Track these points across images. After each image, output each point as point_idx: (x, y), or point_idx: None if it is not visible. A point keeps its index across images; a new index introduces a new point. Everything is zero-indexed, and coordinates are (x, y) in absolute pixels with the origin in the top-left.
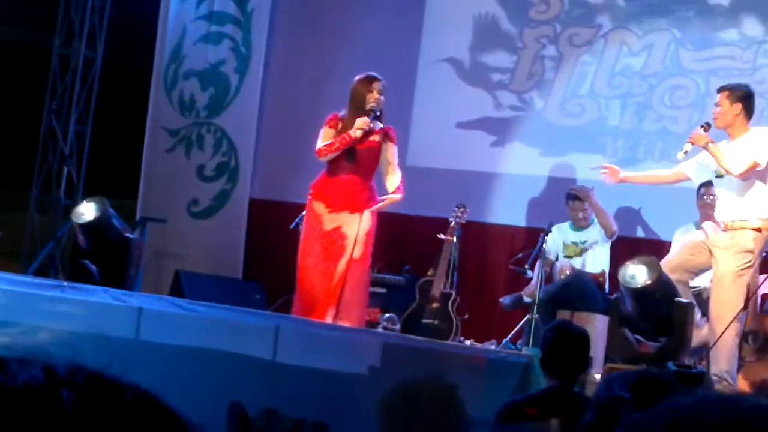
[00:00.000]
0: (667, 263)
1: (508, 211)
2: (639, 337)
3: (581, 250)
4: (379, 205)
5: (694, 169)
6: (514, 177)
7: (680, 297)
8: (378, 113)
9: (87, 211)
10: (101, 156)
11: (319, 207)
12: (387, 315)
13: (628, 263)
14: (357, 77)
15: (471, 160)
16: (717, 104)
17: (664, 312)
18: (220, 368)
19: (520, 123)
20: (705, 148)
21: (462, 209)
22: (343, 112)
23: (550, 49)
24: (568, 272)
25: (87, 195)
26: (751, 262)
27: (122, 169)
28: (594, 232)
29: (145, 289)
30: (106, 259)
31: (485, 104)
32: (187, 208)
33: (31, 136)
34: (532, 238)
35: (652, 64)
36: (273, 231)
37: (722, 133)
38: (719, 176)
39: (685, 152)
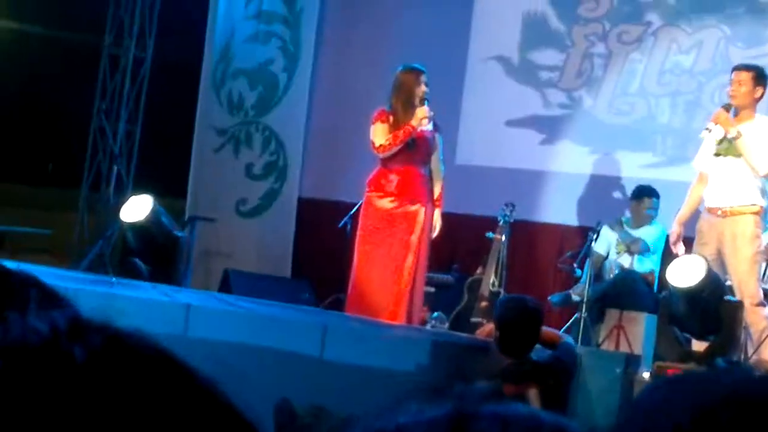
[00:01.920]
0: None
1: (557, 209)
2: (688, 336)
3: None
4: (436, 218)
5: (705, 161)
6: (563, 175)
7: (729, 295)
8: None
9: (136, 209)
10: (150, 155)
11: (382, 202)
12: (436, 314)
13: (675, 261)
14: (401, 69)
15: (520, 159)
16: (739, 83)
17: (712, 310)
18: (268, 365)
19: (569, 121)
20: (731, 135)
21: (511, 208)
22: (389, 105)
23: (599, 46)
24: (617, 271)
25: (136, 194)
26: (761, 247)
27: (171, 168)
28: (650, 229)
29: (195, 288)
30: (156, 257)
31: (534, 102)
32: (236, 207)
33: (82, 136)
34: (581, 236)
35: (702, 62)
36: (322, 230)
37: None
38: (717, 155)
39: (709, 131)
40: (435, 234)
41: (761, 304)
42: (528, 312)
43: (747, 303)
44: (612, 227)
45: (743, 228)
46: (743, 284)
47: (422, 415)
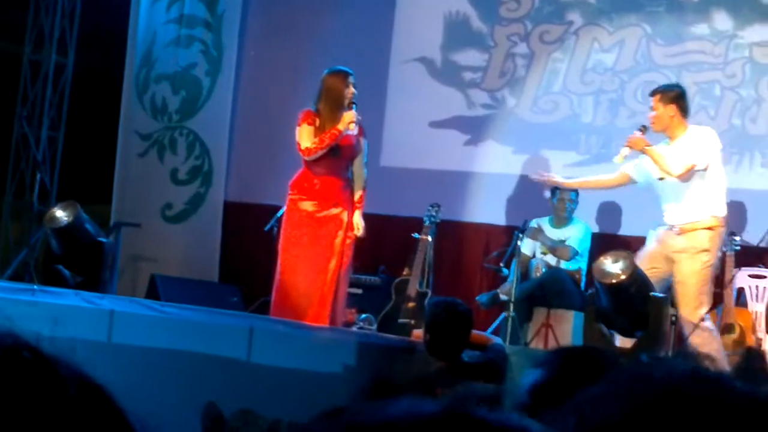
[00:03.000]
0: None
1: (482, 209)
2: (614, 333)
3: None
4: (357, 219)
5: (636, 171)
6: (488, 175)
7: (655, 291)
8: None
9: (60, 216)
10: (74, 161)
11: (305, 205)
12: (363, 315)
13: (602, 258)
14: (328, 72)
15: (444, 159)
16: (652, 108)
17: (639, 307)
18: (195, 370)
19: (493, 121)
20: (643, 152)
21: (436, 208)
22: (315, 108)
23: (521, 46)
24: (544, 269)
25: (60, 200)
26: (710, 261)
27: (95, 175)
28: (573, 230)
29: (121, 294)
30: (80, 264)
31: (458, 103)
32: (162, 212)
33: (3, 143)
34: (507, 236)
35: (624, 60)
36: (249, 234)
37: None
38: (661, 179)
39: (624, 156)
40: (360, 233)
41: (703, 320)
42: (458, 314)
43: (691, 317)
44: (535, 237)
45: (693, 241)
46: (688, 298)
47: (413, 411)
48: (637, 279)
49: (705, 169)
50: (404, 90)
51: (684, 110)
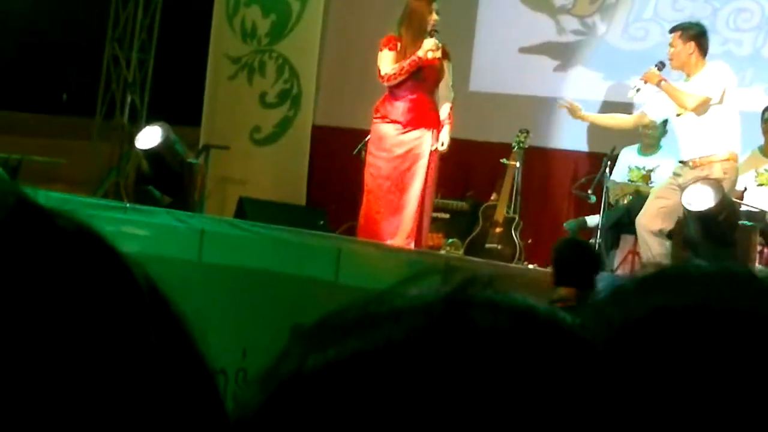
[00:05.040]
0: (644, 213)
1: (571, 136)
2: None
3: (646, 176)
4: (444, 135)
5: (652, 109)
6: (578, 102)
7: (744, 220)
8: None
9: (150, 137)
10: (164, 83)
11: (388, 128)
12: (450, 240)
13: (691, 186)
14: None
15: (534, 85)
16: (670, 44)
17: (727, 235)
18: (283, 290)
19: (583, 48)
20: (658, 86)
21: (525, 134)
22: (398, 32)
23: None
24: (630, 197)
25: (150, 122)
26: (725, 190)
27: (185, 97)
28: (661, 158)
29: (210, 215)
30: (170, 184)
31: (548, 29)
32: (250, 134)
33: (95, 65)
34: (595, 163)
35: None
36: (336, 157)
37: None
38: (678, 114)
39: (637, 90)
40: (443, 149)
41: None
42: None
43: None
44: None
45: (707, 173)
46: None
47: (417, 299)
48: (725, 207)
49: (720, 103)
50: (494, 15)
51: (703, 48)
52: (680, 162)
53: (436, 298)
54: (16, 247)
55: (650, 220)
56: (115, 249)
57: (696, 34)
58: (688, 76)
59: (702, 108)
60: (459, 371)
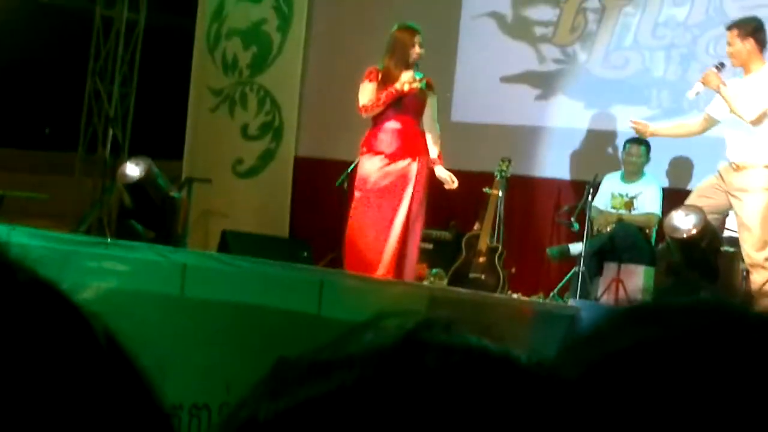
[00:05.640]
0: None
1: (553, 164)
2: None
3: (628, 203)
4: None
5: (716, 110)
6: (559, 130)
7: (726, 246)
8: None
9: (132, 171)
10: (146, 117)
11: (373, 161)
12: (434, 270)
13: (673, 213)
14: (397, 27)
15: (515, 114)
16: (728, 43)
17: (710, 261)
18: (266, 323)
19: (564, 76)
20: (717, 90)
21: (507, 163)
22: (380, 64)
23: (592, 1)
24: (613, 225)
25: (132, 156)
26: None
27: (167, 130)
28: (644, 186)
29: (192, 249)
30: (152, 218)
31: (529, 58)
32: (233, 167)
33: (76, 99)
34: (577, 190)
35: (696, 14)
36: (319, 189)
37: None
38: (732, 112)
39: (696, 93)
40: (454, 186)
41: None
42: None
43: (754, 258)
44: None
45: (752, 181)
46: (752, 239)
47: (372, 344)
48: (708, 233)
49: None
50: (475, 45)
51: (762, 43)
52: (727, 162)
53: (391, 341)
54: None
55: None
56: (74, 304)
57: (754, 30)
58: (746, 72)
59: (762, 119)
60: (408, 412)
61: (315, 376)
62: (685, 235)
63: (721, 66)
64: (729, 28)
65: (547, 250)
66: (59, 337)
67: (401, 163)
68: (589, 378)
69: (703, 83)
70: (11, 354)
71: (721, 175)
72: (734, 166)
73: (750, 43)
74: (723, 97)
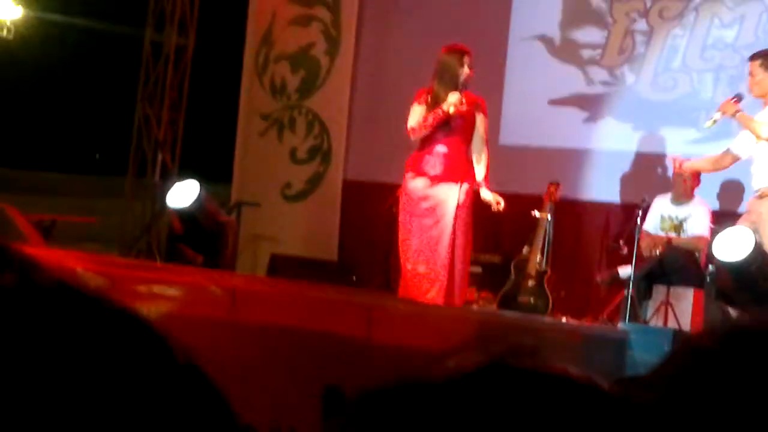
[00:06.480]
0: None
1: (601, 187)
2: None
3: (677, 226)
4: (486, 195)
5: (739, 146)
6: (607, 153)
7: None
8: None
9: (182, 195)
10: (195, 141)
11: (417, 183)
12: (483, 293)
13: (721, 236)
14: (446, 48)
15: (564, 137)
16: (750, 74)
17: (761, 284)
18: (315, 348)
19: (612, 98)
20: (734, 117)
21: (555, 186)
22: (430, 85)
23: (640, 23)
24: (662, 248)
25: (182, 180)
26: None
27: (216, 154)
28: (693, 208)
29: (242, 272)
30: (202, 242)
31: (577, 81)
32: (281, 191)
33: (126, 124)
34: (626, 213)
35: (745, 36)
36: (368, 212)
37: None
38: (758, 142)
39: (714, 121)
40: (501, 208)
41: None
42: None
43: None
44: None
45: None
46: None
47: (458, 372)
48: (758, 256)
49: None
50: (523, 68)
51: None
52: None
53: (478, 368)
54: (72, 333)
55: None
56: (154, 329)
57: None
58: (766, 104)
59: None
60: None
61: (402, 405)
62: (734, 259)
63: (739, 98)
64: (752, 58)
65: (597, 277)
66: (149, 361)
67: (444, 186)
68: (675, 403)
69: (721, 112)
70: (111, 379)
71: (747, 208)
72: (758, 194)
73: None
74: (740, 120)
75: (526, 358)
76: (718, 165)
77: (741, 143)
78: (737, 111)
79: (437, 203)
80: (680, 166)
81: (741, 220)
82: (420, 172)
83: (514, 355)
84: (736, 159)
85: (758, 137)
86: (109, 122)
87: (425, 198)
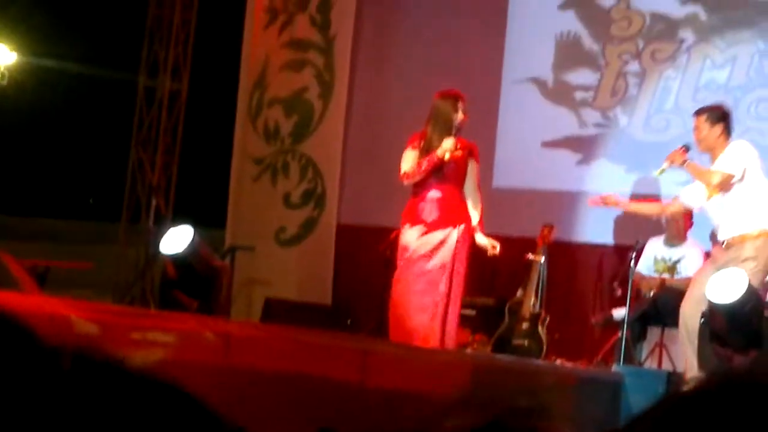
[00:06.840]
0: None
1: (595, 229)
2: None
3: (671, 267)
4: (482, 240)
5: (688, 197)
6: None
7: None
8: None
9: (176, 241)
10: (189, 186)
11: (412, 232)
12: (477, 336)
13: (714, 277)
14: (440, 93)
15: (557, 179)
16: (696, 128)
17: (754, 325)
18: (310, 392)
19: (605, 140)
20: (682, 166)
21: (549, 228)
22: (423, 130)
23: (633, 65)
24: (656, 289)
25: (175, 225)
26: (758, 267)
27: (209, 199)
28: (687, 249)
29: (236, 317)
30: (196, 288)
31: (570, 122)
32: (275, 235)
33: (119, 169)
34: (620, 255)
35: (737, 77)
36: (362, 256)
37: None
38: (708, 198)
39: (662, 170)
40: (496, 252)
41: None
42: None
43: None
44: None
45: (737, 253)
46: None
47: (462, 428)
48: (751, 297)
49: (742, 180)
50: (516, 110)
51: (729, 130)
52: (716, 244)
53: (479, 427)
54: (82, 395)
55: (694, 307)
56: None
57: (721, 116)
58: (714, 158)
59: (726, 186)
60: None
61: None
62: (728, 300)
63: (686, 149)
64: (697, 113)
65: (591, 319)
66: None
67: (441, 233)
68: None
69: (669, 161)
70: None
71: (712, 257)
72: (725, 245)
73: (719, 129)
74: (689, 169)
75: (523, 417)
76: (665, 212)
77: (691, 193)
78: (685, 161)
79: (434, 247)
80: (602, 200)
81: (705, 265)
82: (416, 221)
83: (512, 415)
84: (686, 208)
85: (708, 185)
86: (103, 167)
87: (423, 244)
